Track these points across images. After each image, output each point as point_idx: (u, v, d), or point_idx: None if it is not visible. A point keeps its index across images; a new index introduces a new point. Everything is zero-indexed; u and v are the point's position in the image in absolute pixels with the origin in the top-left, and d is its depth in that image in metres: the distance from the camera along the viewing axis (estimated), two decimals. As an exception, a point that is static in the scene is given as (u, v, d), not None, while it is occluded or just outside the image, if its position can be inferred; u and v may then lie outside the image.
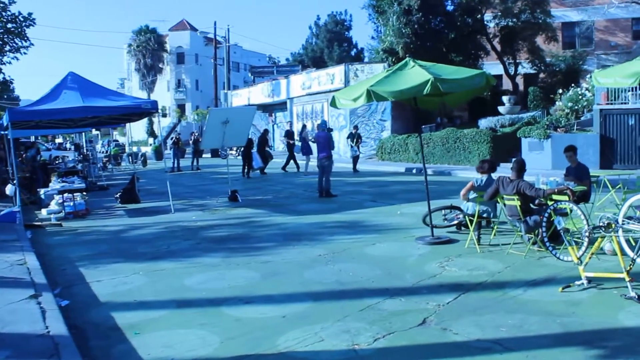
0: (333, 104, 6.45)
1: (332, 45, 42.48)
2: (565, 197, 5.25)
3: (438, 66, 6.32)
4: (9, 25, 15.91)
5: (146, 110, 9.94)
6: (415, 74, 5.90)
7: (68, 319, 4.39)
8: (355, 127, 17.60)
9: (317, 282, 5.02)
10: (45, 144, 32.73)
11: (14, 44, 16.21)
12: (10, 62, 16.70)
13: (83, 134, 19.50)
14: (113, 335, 3.98)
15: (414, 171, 15.86)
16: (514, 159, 6.06)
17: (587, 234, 4.52)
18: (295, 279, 5.18)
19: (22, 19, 15.91)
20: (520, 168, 5.72)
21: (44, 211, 9.99)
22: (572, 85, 17.43)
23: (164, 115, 43.00)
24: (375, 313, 4.14)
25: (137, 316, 4.34)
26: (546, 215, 5.19)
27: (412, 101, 6.50)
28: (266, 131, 18.39)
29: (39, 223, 9.09)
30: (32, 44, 16.58)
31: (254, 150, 16.36)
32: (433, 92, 5.93)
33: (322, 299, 4.56)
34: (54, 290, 5.22)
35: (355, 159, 16.56)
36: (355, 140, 16.53)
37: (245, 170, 16.16)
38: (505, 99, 19.53)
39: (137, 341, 3.78)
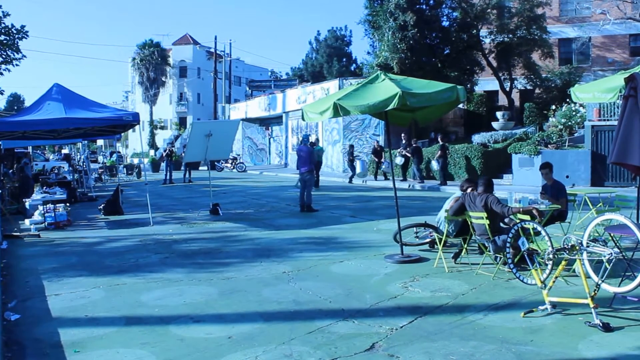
0: (303, 117, 6.35)
1: (331, 60, 42.71)
2: (529, 217, 5.07)
3: (410, 80, 6.21)
4: (1, 38, 16.07)
5: (128, 122, 9.90)
6: (384, 88, 5.79)
7: (13, 334, 4.29)
8: (377, 142, 18.19)
9: (274, 301, 4.86)
10: (52, 155, 33.00)
11: (7, 56, 16.35)
12: (2, 74, 16.85)
13: (87, 144, 19.66)
14: (51, 353, 3.86)
15: (408, 186, 15.71)
16: (481, 178, 5.88)
17: (550, 256, 4.33)
18: (253, 297, 5.02)
19: (15, 32, 16.07)
20: (489, 184, 5.56)
21: (27, 221, 9.97)
22: (567, 101, 17.28)
23: (163, 128, 43.15)
24: (324, 336, 3.96)
25: (83, 333, 4.23)
26: (511, 235, 5.01)
27: (383, 116, 6.38)
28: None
29: (17, 233, 9.02)
30: (25, 56, 16.75)
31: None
32: (402, 107, 5.82)
33: (273, 320, 4.39)
34: (9, 304, 5.12)
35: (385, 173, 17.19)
36: (380, 155, 17.09)
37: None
38: (499, 114, 19.43)
39: (73, 360, 3.63)
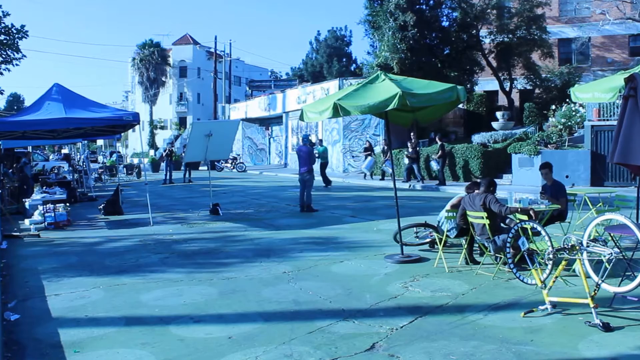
0: (301, 117, 6.34)
1: (331, 60, 42.73)
2: (526, 218, 5.07)
3: (410, 80, 6.21)
4: (1, 37, 16.07)
5: (128, 122, 9.90)
6: (384, 88, 5.79)
7: (13, 334, 4.29)
8: (385, 140, 18.19)
9: (274, 301, 4.86)
10: (51, 155, 32.97)
11: (7, 56, 16.35)
12: (2, 74, 16.86)
13: (87, 144, 19.65)
14: (51, 353, 3.86)
15: (409, 186, 15.71)
16: (483, 178, 5.89)
17: (550, 256, 4.33)
18: (253, 297, 5.02)
19: (15, 32, 16.08)
20: (490, 185, 5.57)
21: (27, 221, 9.95)
22: (567, 101, 17.29)
23: (163, 128, 43.11)
24: (324, 336, 3.96)
25: (83, 333, 4.22)
26: (511, 235, 5.01)
27: (384, 116, 6.38)
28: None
29: (17, 233, 9.01)
30: (25, 56, 16.75)
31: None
32: (402, 107, 5.82)
33: (273, 320, 4.39)
34: (9, 304, 5.12)
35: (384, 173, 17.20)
36: (387, 154, 16.99)
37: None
38: (499, 114, 19.44)
39: (72, 361, 3.63)
